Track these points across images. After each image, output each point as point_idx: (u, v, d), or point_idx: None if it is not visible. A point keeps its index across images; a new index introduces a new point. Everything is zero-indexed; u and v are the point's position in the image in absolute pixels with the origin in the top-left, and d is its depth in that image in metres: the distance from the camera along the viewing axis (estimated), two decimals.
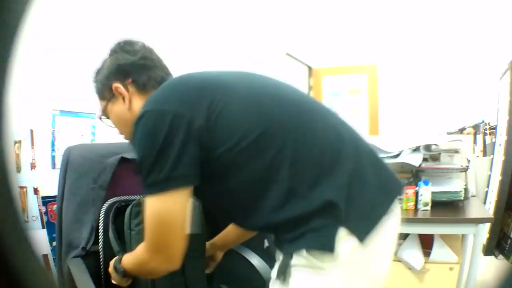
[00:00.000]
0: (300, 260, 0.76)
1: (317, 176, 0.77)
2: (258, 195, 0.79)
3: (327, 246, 0.74)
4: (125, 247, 1.15)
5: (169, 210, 0.77)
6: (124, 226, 1.17)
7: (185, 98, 0.78)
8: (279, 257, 0.83)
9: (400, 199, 1.95)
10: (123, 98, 0.96)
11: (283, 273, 0.79)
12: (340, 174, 0.78)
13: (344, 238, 0.75)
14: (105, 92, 0.99)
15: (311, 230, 0.75)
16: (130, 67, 0.95)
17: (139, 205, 1.12)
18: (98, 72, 1.02)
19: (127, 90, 0.95)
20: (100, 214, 1.28)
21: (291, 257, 0.77)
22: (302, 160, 0.78)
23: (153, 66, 0.97)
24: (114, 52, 0.99)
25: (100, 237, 1.25)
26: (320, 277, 0.75)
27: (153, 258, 0.83)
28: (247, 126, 0.78)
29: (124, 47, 0.99)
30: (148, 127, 0.76)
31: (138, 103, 0.93)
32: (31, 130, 1.62)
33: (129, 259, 0.97)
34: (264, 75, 0.92)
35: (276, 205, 0.78)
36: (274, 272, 0.84)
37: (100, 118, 1.05)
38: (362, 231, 0.76)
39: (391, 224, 0.82)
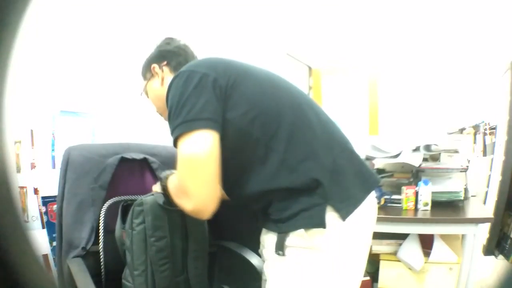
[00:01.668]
0: (296, 239, 0.85)
1: (307, 154, 0.88)
2: (258, 161, 0.89)
3: (319, 223, 0.84)
4: (128, 246, 1.15)
5: (195, 151, 0.82)
6: (126, 226, 1.17)
7: (212, 66, 0.91)
8: (271, 236, 0.91)
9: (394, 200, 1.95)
10: (158, 77, 1.21)
11: (281, 249, 0.87)
12: (325, 159, 0.89)
13: (331, 217, 0.85)
14: (147, 73, 1.25)
15: (303, 209, 0.85)
16: (166, 52, 1.23)
17: (141, 205, 1.13)
18: (146, 59, 1.27)
19: (162, 70, 1.21)
20: (101, 214, 1.28)
21: (286, 235, 0.87)
22: (296, 139, 0.89)
23: (184, 54, 1.23)
24: (159, 44, 1.27)
25: (100, 237, 1.25)
26: (314, 254, 0.85)
27: (183, 199, 0.88)
28: (257, 101, 0.90)
29: (165, 40, 1.27)
30: (180, 81, 0.88)
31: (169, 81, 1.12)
32: (31, 130, 1.62)
33: (171, 184, 1.03)
34: (276, 73, 1.05)
35: (270, 173, 0.88)
36: (268, 250, 0.93)
37: (141, 94, 1.29)
38: (344, 211, 0.87)
39: (370, 209, 0.94)
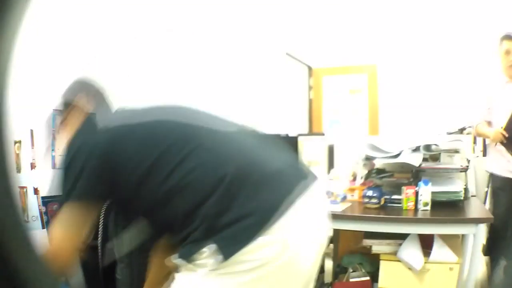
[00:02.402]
0: (182, 263, 0.90)
1: (198, 202, 0.88)
2: (166, 203, 0.93)
3: (187, 257, 0.87)
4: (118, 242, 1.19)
5: (65, 219, 0.94)
6: (110, 224, 1.21)
7: (98, 144, 0.97)
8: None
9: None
10: (80, 114, 1.14)
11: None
12: (215, 198, 0.88)
13: (210, 254, 0.84)
14: (69, 104, 1.17)
15: (190, 242, 0.88)
16: (90, 91, 1.18)
17: None
18: (69, 88, 1.21)
19: (84, 110, 1.14)
20: (99, 214, 1.29)
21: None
22: (187, 187, 0.91)
23: (100, 100, 1.18)
24: (80, 79, 1.22)
25: (99, 232, 1.28)
26: (192, 276, 0.88)
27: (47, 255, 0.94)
28: (143, 154, 0.94)
29: (85, 79, 1.22)
30: (64, 154, 1.00)
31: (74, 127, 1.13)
32: (31, 130, 1.62)
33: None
34: (177, 106, 1.10)
35: (173, 218, 0.93)
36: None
37: (61, 123, 1.20)
38: (228, 251, 0.84)
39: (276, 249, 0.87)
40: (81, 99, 1.14)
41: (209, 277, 0.86)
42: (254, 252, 0.84)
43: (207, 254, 0.85)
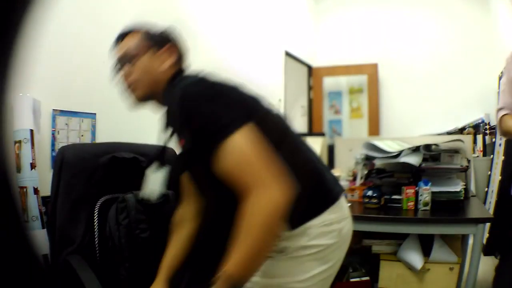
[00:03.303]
0: None
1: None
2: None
3: None
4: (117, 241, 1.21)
5: (246, 144, 0.84)
6: (110, 223, 1.24)
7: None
8: None
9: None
10: (167, 58, 1.09)
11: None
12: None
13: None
14: (156, 43, 1.11)
15: None
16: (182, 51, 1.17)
17: (124, 202, 1.21)
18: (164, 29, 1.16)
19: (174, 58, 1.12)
20: (95, 211, 1.33)
21: None
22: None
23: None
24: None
25: (95, 233, 1.30)
26: None
27: (268, 192, 0.79)
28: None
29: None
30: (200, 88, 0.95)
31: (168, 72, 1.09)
32: (31, 130, 1.61)
33: (239, 250, 0.78)
34: None
35: None
36: None
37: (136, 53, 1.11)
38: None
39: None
40: (175, 46, 1.12)
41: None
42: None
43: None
